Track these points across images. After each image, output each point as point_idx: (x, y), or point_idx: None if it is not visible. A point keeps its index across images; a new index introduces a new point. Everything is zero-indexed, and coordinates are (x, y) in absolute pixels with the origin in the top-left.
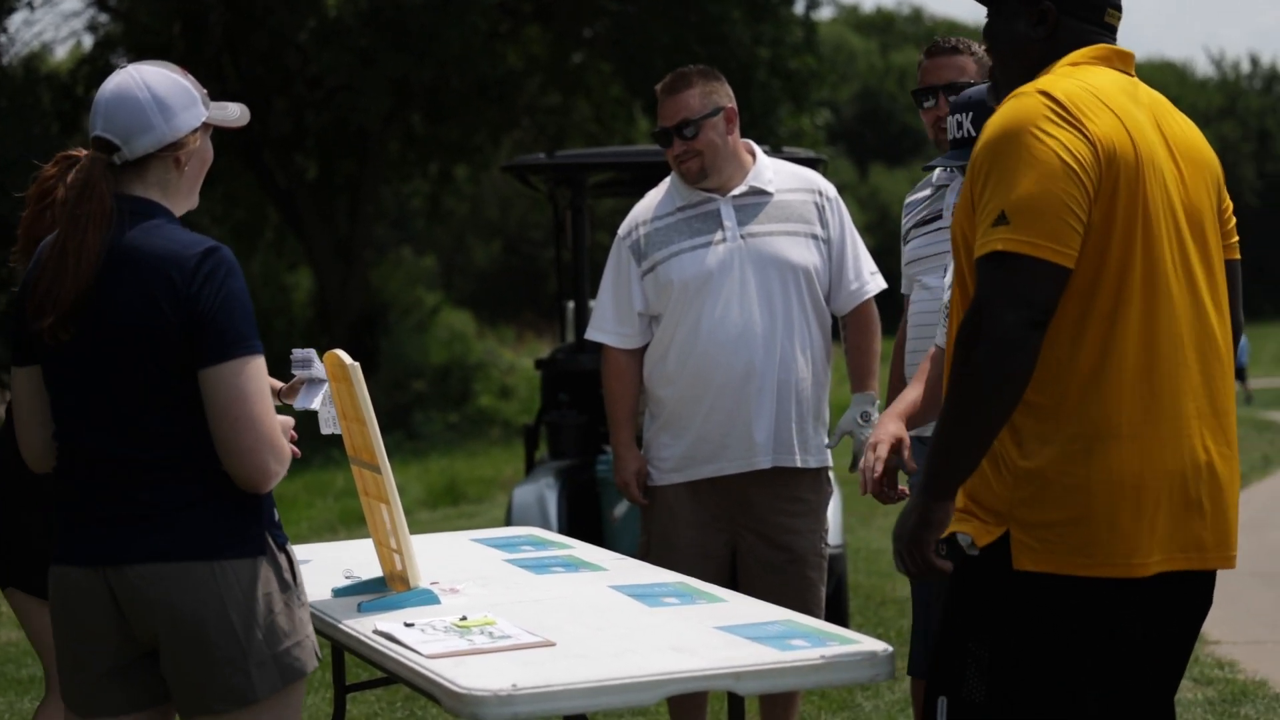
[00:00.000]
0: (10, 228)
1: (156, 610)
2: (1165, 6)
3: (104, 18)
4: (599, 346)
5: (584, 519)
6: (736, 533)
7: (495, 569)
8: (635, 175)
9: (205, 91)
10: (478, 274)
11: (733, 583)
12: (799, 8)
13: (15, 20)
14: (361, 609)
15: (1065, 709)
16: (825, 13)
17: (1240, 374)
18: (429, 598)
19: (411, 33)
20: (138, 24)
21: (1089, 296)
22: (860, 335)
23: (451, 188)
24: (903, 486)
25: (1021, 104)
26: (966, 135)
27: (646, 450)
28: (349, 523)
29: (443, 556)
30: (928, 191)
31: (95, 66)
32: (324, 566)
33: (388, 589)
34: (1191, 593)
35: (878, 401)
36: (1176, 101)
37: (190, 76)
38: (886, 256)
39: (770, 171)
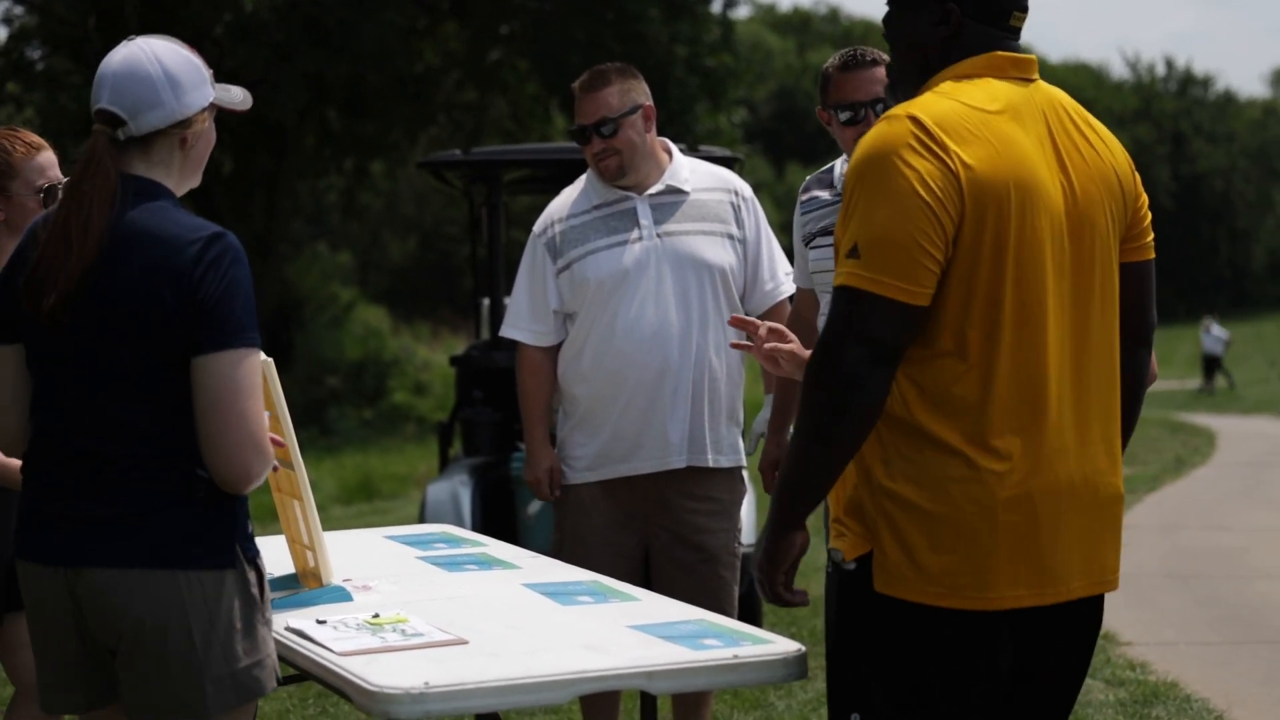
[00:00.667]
0: None
1: (118, 616)
2: (1079, 8)
3: (19, 9)
4: (514, 343)
5: (498, 516)
6: (650, 532)
7: (408, 566)
8: (551, 173)
9: (212, 71)
10: (393, 270)
11: (646, 582)
12: (716, 6)
13: None
14: (273, 606)
15: None
16: (742, 11)
17: (1218, 365)
18: (341, 595)
19: (328, 28)
20: (53, 16)
21: (957, 327)
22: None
23: (367, 183)
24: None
25: (889, 129)
26: None
27: (560, 448)
28: (261, 519)
29: (356, 554)
30: (827, 195)
31: (10, 59)
32: None
33: (300, 586)
34: (1068, 622)
35: None
36: (1091, 104)
37: (198, 54)
38: None
39: (686, 170)
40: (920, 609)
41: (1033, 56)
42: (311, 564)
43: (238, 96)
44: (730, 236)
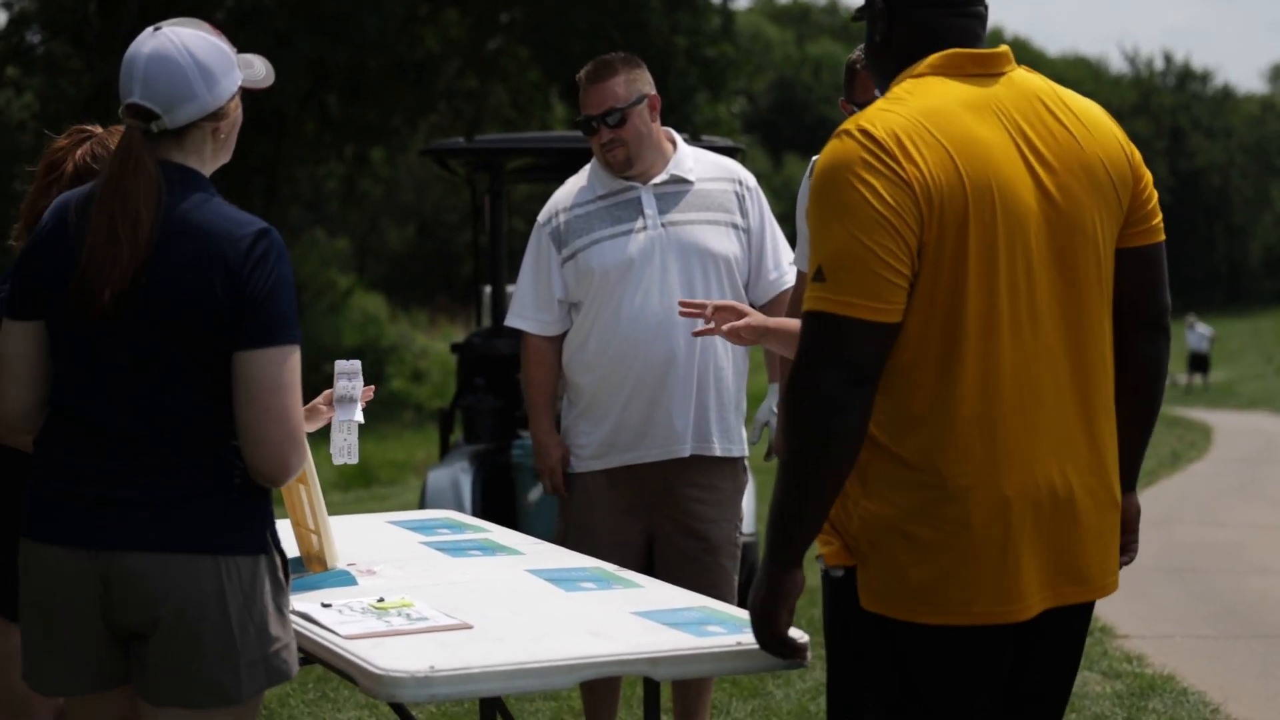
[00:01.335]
0: None
1: (156, 601)
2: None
3: None
4: (516, 332)
5: (498, 503)
6: (654, 521)
7: (412, 551)
8: (554, 161)
9: (235, 49)
10: (391, 257)
11: (649, 570)
12: None
13: None
14: None
15: None
16: (742, 2)
17: (1205, 362)
18: (346, 579)
19: (329, 14)
20: (54, 1)
21: (919, 344)
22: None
23: (367, 170)
24: None
25: (840, 147)
26: None
27: (565, 437)
28: None
29: (360, 538)
30: None
31: (10, 44)
32: None
33: (305, 570)
34: (1055, 630)
35: None
36: (1089, 98)
37: (220, 33)
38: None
39: (691, 160)
40: (909, 627)
41: (999, 49)
42: (317, 548)
43: (261, 71)
44: (735, 226)
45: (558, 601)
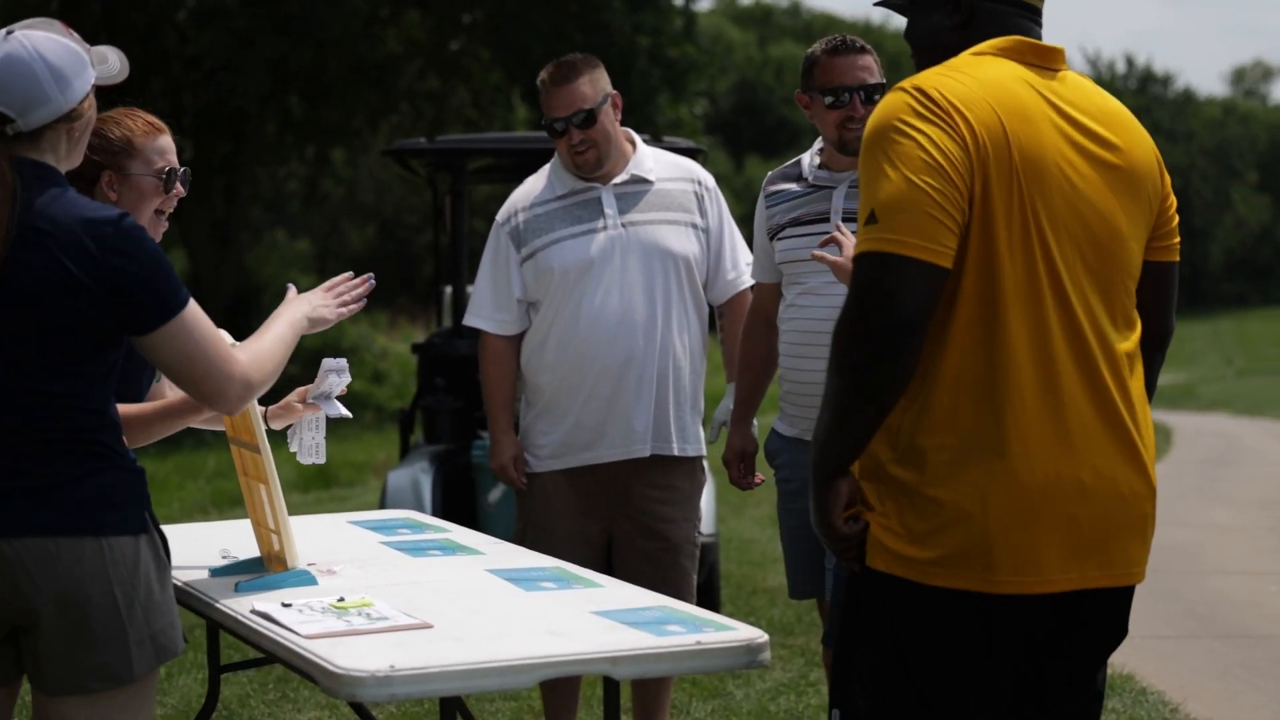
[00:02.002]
0: None
1: (42, 586)
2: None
3: None
4: (476, 332)
5: (458, 504)
6: (612, 520)
7: (372, 551)
8: (515, 162)
9: (87, 46)
10: (352, 258)
11: (608, 570)
12: None
13: None
14: (239, 589)
15: None
16: (704, 4)
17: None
18: (306, 579)
19: (291, 14)
20: None
21: (954, 303)
22: (737, 324)
23: (329, 171)
24: (759, 475)
25: (890, 100)
26: None
27: (524, 437)
28: (221, 504)
29: (320, 538)
30: (795, 187)
31: None
32: (200, 546)
33: (265, 569)
34: (1086, 612)
35: None
36: None
37: (72, 32)
38: None
39: (651, 160)
40: (919, 589)
41: (1059, 47)
42: (277, 547)
43: (115, 66)
44: (694, 226)
45: (517, 601)
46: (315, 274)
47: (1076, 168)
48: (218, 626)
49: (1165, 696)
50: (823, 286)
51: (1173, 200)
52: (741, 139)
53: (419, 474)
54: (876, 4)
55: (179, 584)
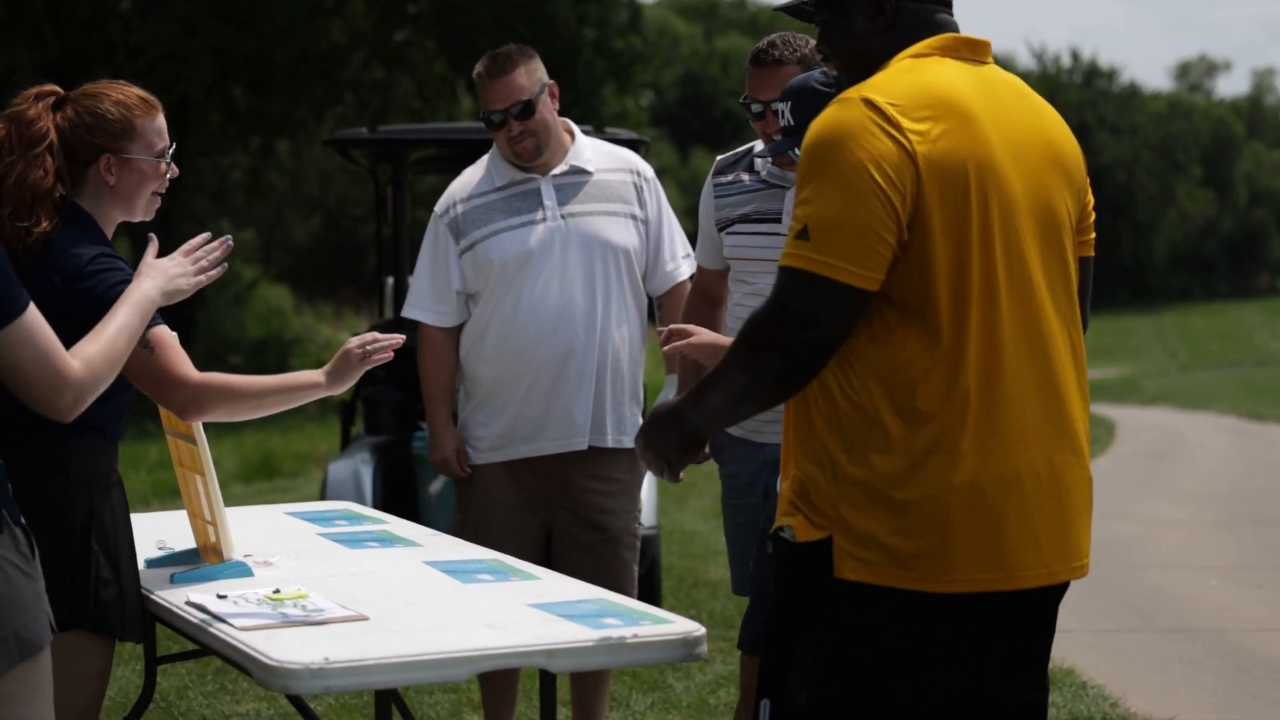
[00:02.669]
0: None
1: None
2: None
3: None
4: (416, 323)
5: (399, 495)
6: (552, 512)
7: (309, 543)
8: (457, 152)
9: None
10: (296, 249)
11: (548, 562)
12: None
13: None
14: (174, 580)
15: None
16: None
17: None
18: (242, 570)
19: (236, 4)
20: None
21: (918, 311)
22: (675, 315)
23: (273, 162)
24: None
25: (843, 113)
26: (788, 124)
27: (463, 428)
28: (162, 495)
29: (257, 529)
30: (748, 179)
31: None
32: (137, 538)
33: (201, 561)
34: (1028, 608)
35: None
36: None
37: None
38: None
39: (589, 151)
40: (886, 592)
41: (986, 40)
42: (213, 539)
43: None
44: (633, 217)
45: (454, 593)
46: (259, 264)
47: (1023, 164)
48: (154, 618)
49: (1106, 690)
50: (769, 289)
51: (1091, 198)
52: (687, 131)
53: (360, 465)
54: (778, 9)
55: None
